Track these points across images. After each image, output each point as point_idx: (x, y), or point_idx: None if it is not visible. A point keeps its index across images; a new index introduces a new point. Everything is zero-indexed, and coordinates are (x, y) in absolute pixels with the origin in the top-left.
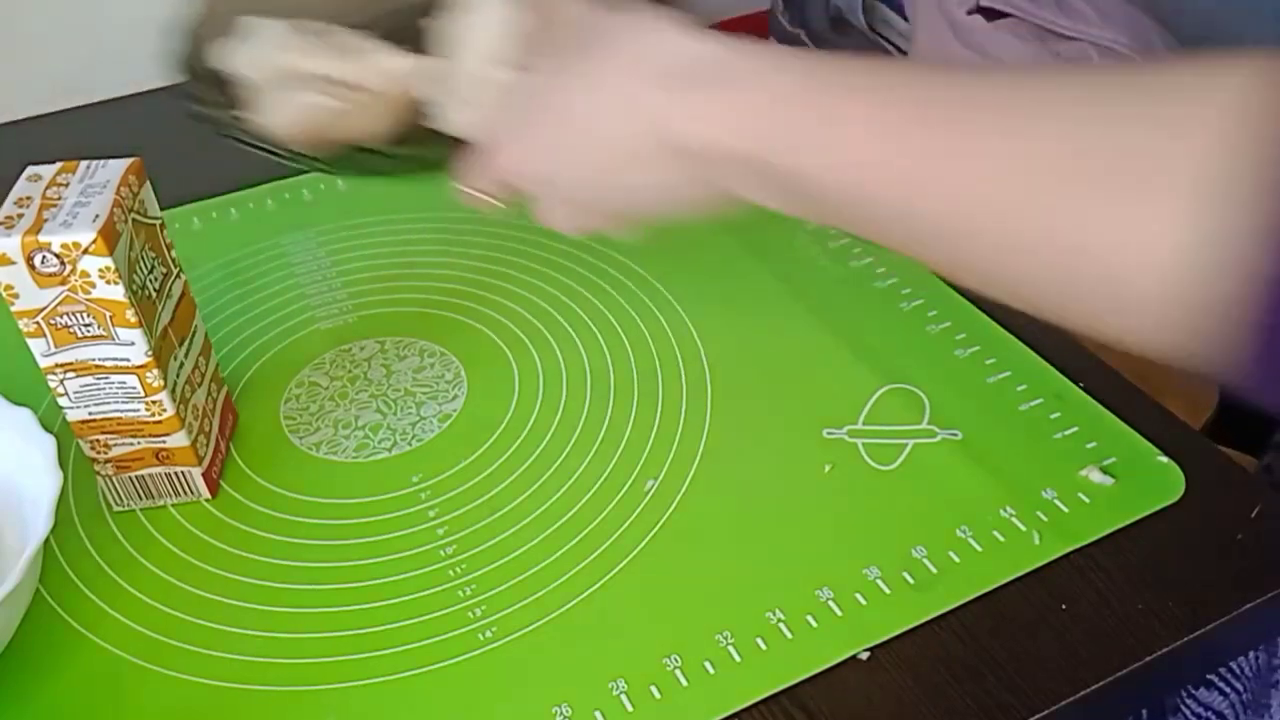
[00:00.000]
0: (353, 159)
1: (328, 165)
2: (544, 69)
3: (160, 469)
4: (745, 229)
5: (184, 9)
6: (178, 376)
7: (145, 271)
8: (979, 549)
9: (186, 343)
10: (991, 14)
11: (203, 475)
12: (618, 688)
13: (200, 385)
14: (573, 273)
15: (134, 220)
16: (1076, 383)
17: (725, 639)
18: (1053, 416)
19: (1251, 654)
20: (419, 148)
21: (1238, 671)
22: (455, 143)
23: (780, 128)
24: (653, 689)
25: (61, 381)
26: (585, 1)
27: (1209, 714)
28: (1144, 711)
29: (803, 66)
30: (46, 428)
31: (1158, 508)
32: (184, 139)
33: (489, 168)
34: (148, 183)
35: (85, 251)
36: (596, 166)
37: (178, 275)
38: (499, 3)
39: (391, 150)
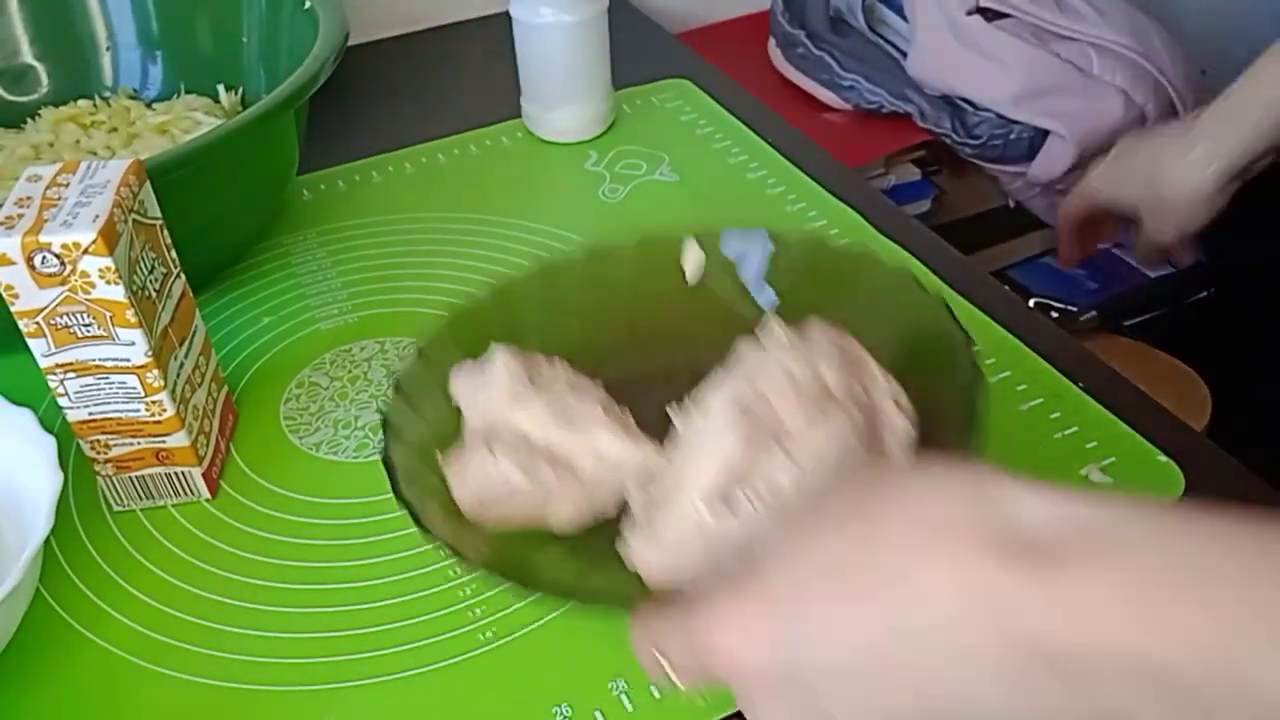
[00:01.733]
0: (518, 563)
1: (488, 570)
2: (800, 524)
3: (160, 469)
4: None
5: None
6: (178, 376)
7: (145, 272)
8: None
9: (186, 343)
10: (991, 14)
11: (203, 475)
12: (617, 688)
13: (200, 385)
14: None
15: (134, 220)
16: (1076, 383)
17: None
18: (1053, 416)
19: None
20: (598, 570)
21: None
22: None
23: (1226, 628)
24: (653, 689)
25: (62, 382)
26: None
27: None
28: None
29: (1229, 533)
30: (46, 428)
31: None
32: None
33: (689, 638)
34: (148, 183)
35: (85, 252)
36: (905, 676)
37: (178, 275)
38: (731, 435)
39: (568, 575)
